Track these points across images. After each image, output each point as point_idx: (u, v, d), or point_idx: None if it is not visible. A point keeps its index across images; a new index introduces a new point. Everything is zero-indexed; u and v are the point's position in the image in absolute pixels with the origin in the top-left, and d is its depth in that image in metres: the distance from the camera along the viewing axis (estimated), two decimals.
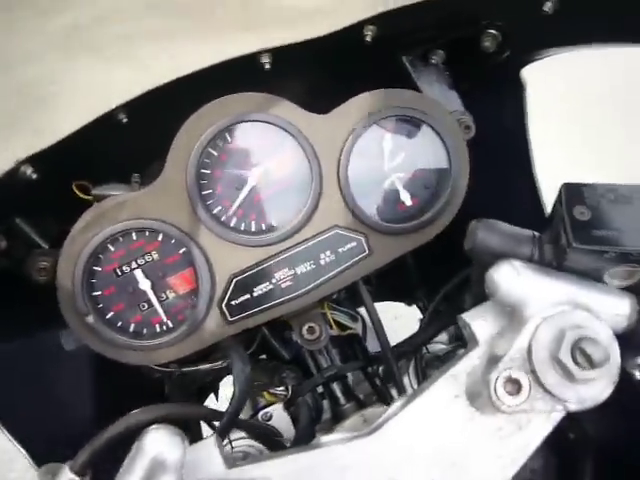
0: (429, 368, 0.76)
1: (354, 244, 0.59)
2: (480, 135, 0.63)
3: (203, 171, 0.56)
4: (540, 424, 0.46)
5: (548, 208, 0.72)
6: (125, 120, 0.61)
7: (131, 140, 0.62)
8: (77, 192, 0.61)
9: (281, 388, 0.65)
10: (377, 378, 0.70)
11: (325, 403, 0.68)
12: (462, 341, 0.81)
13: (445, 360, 0.76)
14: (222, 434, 0.53)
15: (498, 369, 0.43)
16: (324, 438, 0.47)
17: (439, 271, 0.80)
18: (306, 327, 0.62)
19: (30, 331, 0.63)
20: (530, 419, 0.45)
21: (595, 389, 0.42)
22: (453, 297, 0.78)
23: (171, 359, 0.58)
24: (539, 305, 0.44)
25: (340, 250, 0.59)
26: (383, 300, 0.91)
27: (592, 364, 0.40)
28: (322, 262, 0.59)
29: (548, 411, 0.43)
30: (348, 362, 0.67)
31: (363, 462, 0.45)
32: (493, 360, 0.45)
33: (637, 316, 0.47)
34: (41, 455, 0.66)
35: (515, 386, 0.43)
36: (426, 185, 0.60)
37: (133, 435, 0.46)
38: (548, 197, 0.75)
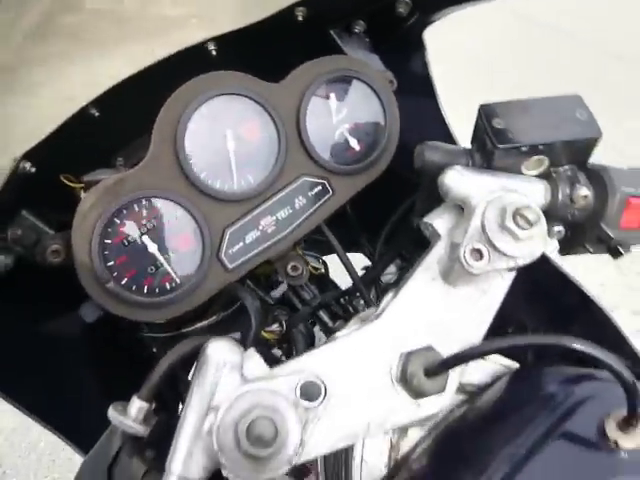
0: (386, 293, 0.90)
1: (320, 188, 0.71)
2: (398, 88, 0.77)
3: (188, 143, 0.65)
4: (498, 286, 0.60)
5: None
6: (97, 114, 0.68)
7: (107, 130, 0.69)
8: (66, 182, 0.68)
9: (275, 325, 0.75)
10: (350, 306, 0.82)
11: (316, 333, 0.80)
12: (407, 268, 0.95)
13: (397, 283, 0.90)
14: None
15: (463, 245, 0.56)
16: (338, 333, 0.58)
17: (376, 218, 0.93)
18: (290, 266, 0.72)
19: (46, 311, 0.68)
20: (490, 284, 0.60)
21: (533, 245, 0.56)
22: (392, 237, 0.92)
23: (183, 312, 0.66)
24: (482, 195, 0.58)
25: (310, 194, 0.70)
26: (333, 252, 1.04)
27: (529, 223, 0.55)
28: (297, 206, 0.70)
29: (505, 268, 0.57)
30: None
31: (376, 342, 0.57)
32: (454, 246, 0.59)
33: (550, 195, 0.62)
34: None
35: (477, 254, 0.56)
36: (367, 132, 0.73)
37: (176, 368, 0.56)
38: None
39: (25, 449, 1.83)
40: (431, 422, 0.63)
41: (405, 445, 0.63)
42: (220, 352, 0.51)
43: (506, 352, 0.54)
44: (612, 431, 0.51)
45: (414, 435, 0.63)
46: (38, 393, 0.71)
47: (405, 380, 0.55)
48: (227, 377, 0.50)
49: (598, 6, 3.43)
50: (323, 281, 0.83)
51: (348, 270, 0.77)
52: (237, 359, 0.51)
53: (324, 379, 0.52)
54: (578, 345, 0.49)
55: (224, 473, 0.47)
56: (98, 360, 0.78)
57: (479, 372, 0.64)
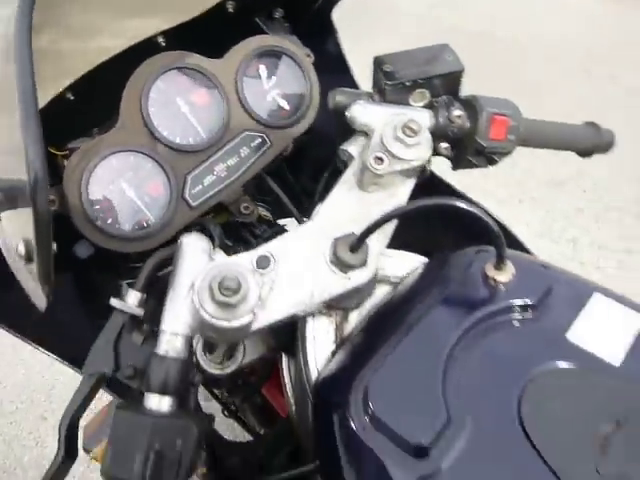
0: None
1: (260, 140, 0.88)
2: (315, 65, 0.96)
3: (151, 108, 0.82)
4: (402, 191, 0.78)
5: None
6: (72, 98, 0.85)
7: (82, 110, 0.86)
8: (52, 151, 0.84)
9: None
10: None
11: None
12: None
13: None
14: None
15: (369, 155, 0.74)
16: (285, 235, 0.75)
17: (314, 183, 1.12)
18: (242, 206, 0.90)
19: None
20: (395, 189, 0.77)
21: (421, 149, 0.75)
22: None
23: (162, 241, 0.82)
24: (380, 120, 0.77)
25: (252, 145, 0.88)
26: (282, 218, 1.20)
27: (414, 132, 0.73)
28: (242, 155, 0.87)
29: (401, 169, 0.75)
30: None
31: (311, 235, 0.73)
32: (364, 162, 0.77)
33: (434, 119, 0.81)
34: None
35: (380, 160, 0.74)
36: (294, 94, 0.92)
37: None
38: None
39: (10, 465, 1.91)
40: (367, 309, 0.80)
41: (347, 327, 0.79)
42: (193, 240, 0.67)
43: (406, 216, 0.71)
44: (490, 271, 0.70)
45: (354, 319, 0.80)
46: (38, 324, 0.85)
47: (336, 260, 0.72)
48: (200, 257, 0.66)
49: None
50: (271, 225, 0.99)
51: (290, 210, 0.95)
52: (206, 245, 0.67)
53: (274, 254, 0.69)
54: (458, 203, 0.67)
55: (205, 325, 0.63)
56: (88, 296, 0.93)
57: (401, 267, 0.82)
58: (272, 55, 0.91)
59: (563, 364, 0.64)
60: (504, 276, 0.69)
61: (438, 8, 3.83)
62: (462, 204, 0.67)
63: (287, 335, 0.82)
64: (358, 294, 0.76)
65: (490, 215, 0.68)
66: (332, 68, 1.03)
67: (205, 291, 0.62)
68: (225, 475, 0.97)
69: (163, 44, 0.89)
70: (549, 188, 2.66)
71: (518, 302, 0.68)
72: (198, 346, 0.83)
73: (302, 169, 1.08)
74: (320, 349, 0.77)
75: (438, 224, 0.96)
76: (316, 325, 0.77)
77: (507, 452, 0.60)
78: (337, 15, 1.01)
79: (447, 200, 0.68)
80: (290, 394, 0.89)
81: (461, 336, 0.67)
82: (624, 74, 3.41)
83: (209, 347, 0.82)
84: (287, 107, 0.91)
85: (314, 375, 0.75)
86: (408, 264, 0.82)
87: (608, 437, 0.58)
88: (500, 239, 0.67)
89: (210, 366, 0.83)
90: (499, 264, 0.69)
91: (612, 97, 3.24)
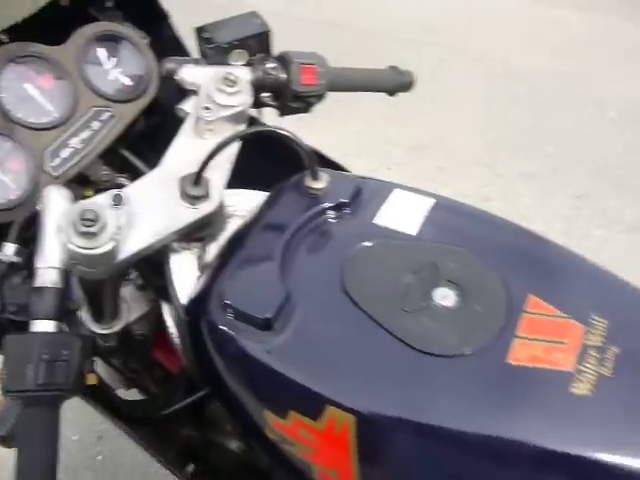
0: None
1: (108, 114, 1.00)
2: (153, 48, 1.09)
3: (2, 95, 0.92)
4: (230, 127, 0.92)
5: None
6: None
7: None
8: None
9: None
10: None
11: None
12: None
13: None
14: None
15: (198, 106, 0.89)
16: (136, 180, 0.87)
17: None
18: (103, 174, 1.01)
19: None
20: (228, 133, 0.92)
21: (241, 96, 0.90)
22: None
23: (31, 210, 0.92)
24: (204, 78, 0.91)
25: (101, 119, 0.99)
26: None
27: (234, 82, 0.88)
28: (94, 128, 0.98)
29: (229, 115, 0.90)
30: None
31: (161, 176, 0.86)
32: (197, 114, 0.91)
33: (254, 74, 0.97)
34: None
35: (208, 109, 0.89)
36: (134, 71, 1.04)
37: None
38: None
39: None
40: (222, 240, 0.94)
41: (207, 257, 0.93)
42: (54, 191, 0.79)
43: (234, 141, 0.85)
44: (309, 183, 0.86)
45: (212, 250, 0.94)
46: None
47: (183, 195, 0.85)
48: (63, 203, 0.78)
49: None
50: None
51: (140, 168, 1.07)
52: (67, 193, 0.79)
53: (127, 194, 0.81)
54: (274, 129, 0.82)
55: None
56: None
57: (248, 203, 0.96)
58: (109, 39, 1.03)
59: (372, 242, 0.81)
60: (320, 184, 0.85)
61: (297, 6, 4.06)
62: (278, 130, 0.82)
63: (162, 281, 0.95)
64: (210, 225, 0.89)
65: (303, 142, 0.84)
66: (169, 48, 1.17)
67: (70, 227, 0.73)
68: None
69: (6, 41, 0.99)
70: (412, 153, 2.93)
71: (333, 203, 0.85)
72: (87, 316, 0.93)
73: (160, 146, 1.20)
74: (186, 279, 0.89)
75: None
76: (179, 259, 0.90)
77: (336, 313, 0.76)
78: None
79: (264, 128, 0.83)
80: (175, 336, 1.01)
81: (292, 235, 0.82)
82: (470, 46, 3.79)
83: (97, 317, 0.93)
84: (130, 83, 1.03)
85: (184, 301, 0.88)
86: (254, 199, 0.97)
87: (409, 284, 0.76)
88: (312, 157, 0.84)
89: (99, 327, 0.94)
90: (314, 175, 0.85)
91: (458, 67, 3.59)
